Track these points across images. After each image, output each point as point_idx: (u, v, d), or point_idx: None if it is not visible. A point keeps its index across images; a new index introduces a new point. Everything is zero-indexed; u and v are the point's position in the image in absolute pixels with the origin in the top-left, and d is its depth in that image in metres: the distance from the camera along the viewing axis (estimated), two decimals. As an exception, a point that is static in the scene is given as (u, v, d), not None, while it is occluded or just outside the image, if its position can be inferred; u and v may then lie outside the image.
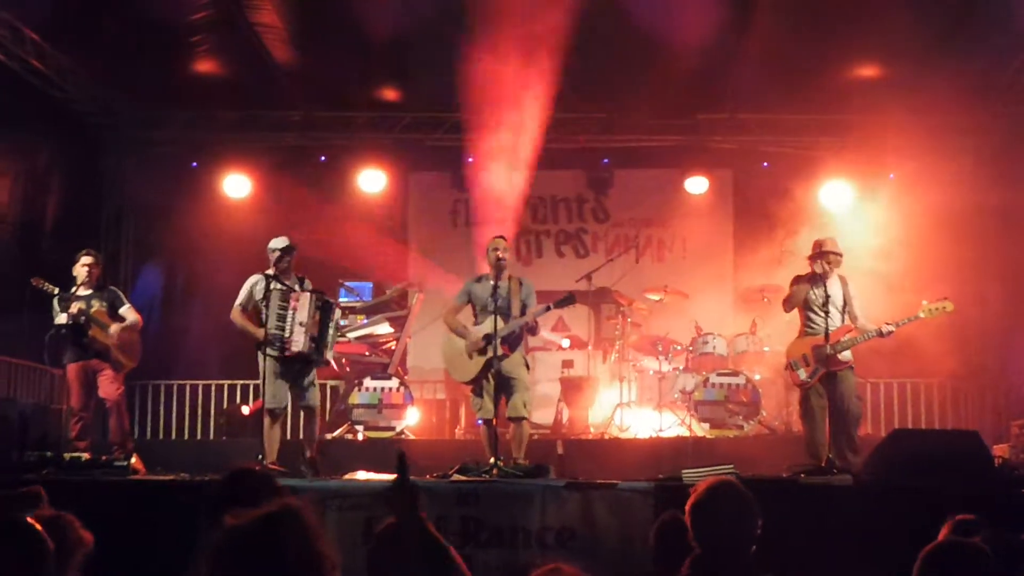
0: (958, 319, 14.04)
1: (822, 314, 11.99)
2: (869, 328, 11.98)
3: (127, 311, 13.03)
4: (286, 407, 12.27)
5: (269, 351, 11.90)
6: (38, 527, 4.53)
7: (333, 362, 13.17)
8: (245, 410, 16.75)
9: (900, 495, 9.00)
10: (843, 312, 12.05)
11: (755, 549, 5.18)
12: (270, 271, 12.24)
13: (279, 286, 12.08)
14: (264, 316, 11.96)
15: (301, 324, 11.92)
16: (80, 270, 12.82)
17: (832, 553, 8.34)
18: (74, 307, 12.48)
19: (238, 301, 12.26)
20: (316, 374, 12.53)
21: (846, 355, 11.98)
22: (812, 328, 12.10)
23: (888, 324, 11.89)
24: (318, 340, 12.08)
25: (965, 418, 15.99)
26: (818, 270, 12.05)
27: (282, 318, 11.93)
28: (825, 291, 11.98)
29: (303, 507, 3.27)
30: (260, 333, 11.92)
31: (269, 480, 5.16)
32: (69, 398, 12.84)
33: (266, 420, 12.02)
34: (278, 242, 12.35)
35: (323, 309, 12.20)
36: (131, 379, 13.44)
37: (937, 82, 14.47)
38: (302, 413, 12.50)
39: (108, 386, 12.82)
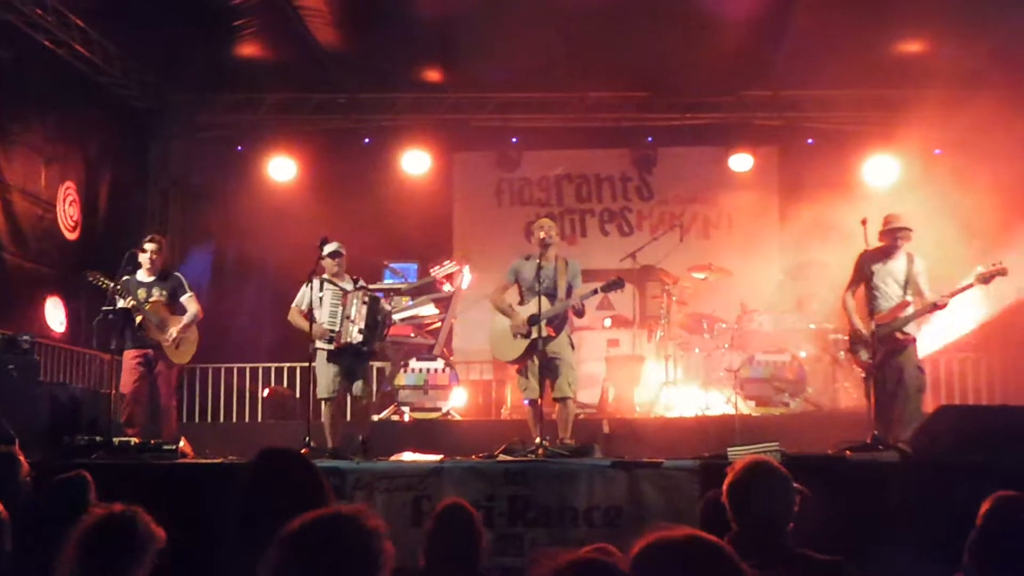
0: (1006, 292, 13.97)
1: (883, 291, 11.93)
2: (927, 300, 11.88)
3: (188, 300, 13.07)
4: (337, 395, 12.57)
5: (322, 344, 12.35)
6: None
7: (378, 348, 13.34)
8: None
9: (948, 471, 8.96)
10: (904, 288, 11.96)
11: (793, 526, 5.19)
12: (325, 275, 12.65)
13: (332, 287, 12.56)
14: (316, 315, 12.37)
15: (349, 318, 12.37)
16: (144, 257, 12.90)
17: (878, 529, 8.33)
18: (129, 300, 12.56)
19: (295, 302, 12.65)
20: (367, 367, 12.93)
21: (908, 330, 11.91)
22: (873, 306, 12.00)
23: (943, 296, 11.79)
24: (366, 331, 12.43)
25: (1015, 392, 15.86)
26: (886, 244, 12.00)
27: (334, 315, 12.44)
28: (888, 267, 11.93)
29: (363, 513, 3.32)
30: (319, 330, 12.30)
31: (303, 461, 5.20)
32: (121, 384, 12.88)
33: (324, 409, 12.51)
34: (328, 247, 12.66)
35: (369, 303, 12.56)
36: (179, 362, 13.50)
37: (983, 55, 14.36)
38: (351, 401, 12.66)
39: (162, 386, 12.93)
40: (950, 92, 15.88)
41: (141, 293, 12.72)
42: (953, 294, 11.81)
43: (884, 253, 12.01)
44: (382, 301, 12.93)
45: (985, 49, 14.36)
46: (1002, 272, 11.72)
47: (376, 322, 12.58)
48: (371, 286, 13.72)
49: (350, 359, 12.51)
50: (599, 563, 3.17)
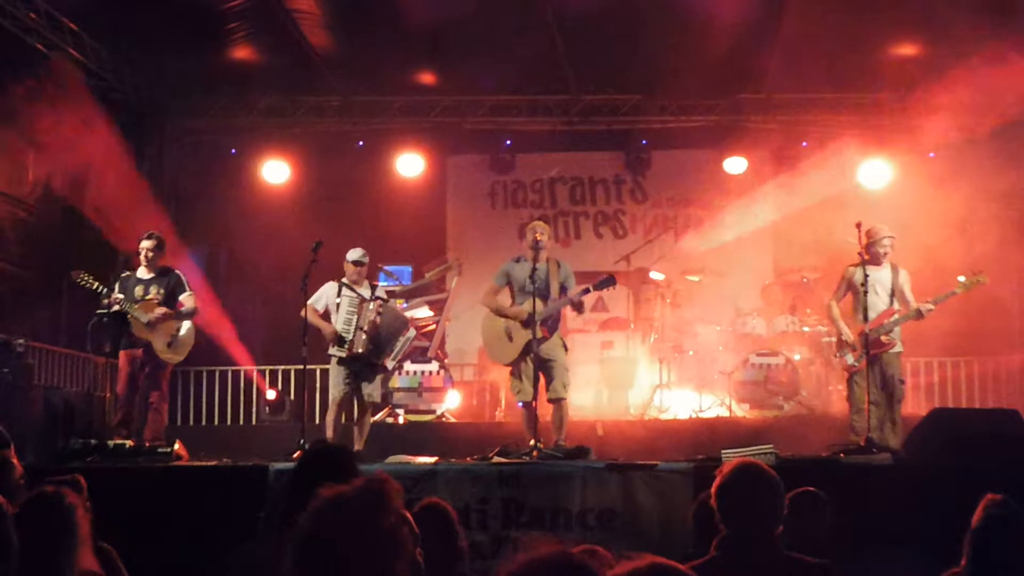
0: (1000, 296, 13.99)
1: (870, 299, 12.12)
2: (911, 308, 12.09)
3: (187, 298, 12.89)
4: (345, 399, 12.55)
5: (334, 351, 12.43)
6: None
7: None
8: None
9: (940, 474, 8.99)
10: (891, 297, 12.15)
11: (782, 529, 5.19)
12: (344, 279, 12.67)
13: (350, 293, 12.57)
14: (333, 319, 12.50)
15: (361, 329, 12.35)
16: (141, 253, 12.79)
17: (871, 532, 8.34)
18: (114, 297, 12.46)
19: (311, 300, 12.48)
20: (379, 378, 12.92)
21: (891, 337, 12.12)
22: (856, 313, 12.29)
23: (926, 303, 12.06)
24: (378, 344, 12.46)
25: (1007, 396, 15.89)
26: (871, 256, 12.19)
27: (348, 322, 12.44)
28: (875, 277, 12.06)
29: (386, 484, 3.30)
30: (330, 329, 12.39)
31: (346, 455, 5.27)
32: (115, 385, 12.84)
33: (330, 409, 12.59)
34: (352, 254, 12.77)
35: (385, 315, 12.57)
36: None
37: (978, 59, 14.36)
38: (356, 407, 12.61)
39: (150, 384, 12.76)
40: (944, 95, 15.90)
41: (138, 290, 12.63)
42: (937, 302, 12.12)
43: (870, 263, 12.19)
44: (410, 328, 13.10)
45: (977, 52, 14.34)
46: (983, 280, 12.11)
47: (388, 337, 12.58)
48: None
49: (360, 366, 12.52)
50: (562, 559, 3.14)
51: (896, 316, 12.11)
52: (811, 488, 6.90)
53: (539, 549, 3.11)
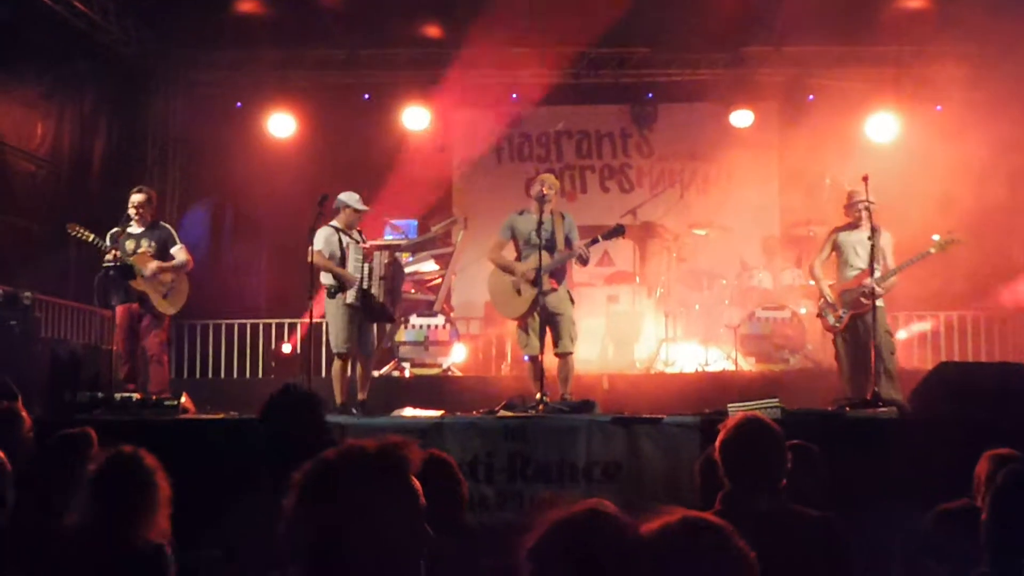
0: (1009, 249, 13.95)
1: (850, 260, 12.38)
2: (889, 268, 12.29)
3: (178, 251, 12.89)
4: (352, 350, 12.26)
5: (352, 299, 12.12)
6: None
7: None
8: (286, 348, 16.85)
9: (945, 428, 8.98)
10: (871, 258, 12.14)
11: (786, 483, 5.19)
12: (336, 223, 12.39)
13: (350, 240, 12.31)
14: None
15: (382, 278, 12.13)
16: (131, 208, 12.78)
17: (876, 485, 8.36)
18: (113, 251, 12.45)
19: (318, 248, 12.11)
20: (375, 325, 12.93)
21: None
22: (841, 274, 12.57)
23: (903, 264, 12.27)
24: (392, 293, 12.35)
25: (1014, 349, 15.90)
26: (852, 217, 12.43)
27: (363, 271, 12.13)
28: (856, 237, 12.26)
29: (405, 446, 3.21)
30: (351, 277, 12.10)
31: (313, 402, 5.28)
32: (117, 340, 12.85)
33: (337, 363, 12.31)
34: (357, 201, 12.48)
35: (394, 266, 12.47)
36: (178, 318, 13.44)
37: (984, 13, 14.29)
38: (360, 357, 12.50)
39: (149, 336, 12.81)
40: (952, 49, 15.83)
41: (130, 244, 12.63)
42: (911, 263, 12.29)
43: (851, 226, 12.48)
44: (402, 268, 13.09)
45: (984, 6, 14.27)
46: (958, 239, 12.24)
47: (399, 285, 12.62)
48: (372, 242, 13.65)
49: (373, 316, 12.44)
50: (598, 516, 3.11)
51: (870, 279, 12.11)
52: (801, 441, 6.90)
53: (569, 508, 3.05)
